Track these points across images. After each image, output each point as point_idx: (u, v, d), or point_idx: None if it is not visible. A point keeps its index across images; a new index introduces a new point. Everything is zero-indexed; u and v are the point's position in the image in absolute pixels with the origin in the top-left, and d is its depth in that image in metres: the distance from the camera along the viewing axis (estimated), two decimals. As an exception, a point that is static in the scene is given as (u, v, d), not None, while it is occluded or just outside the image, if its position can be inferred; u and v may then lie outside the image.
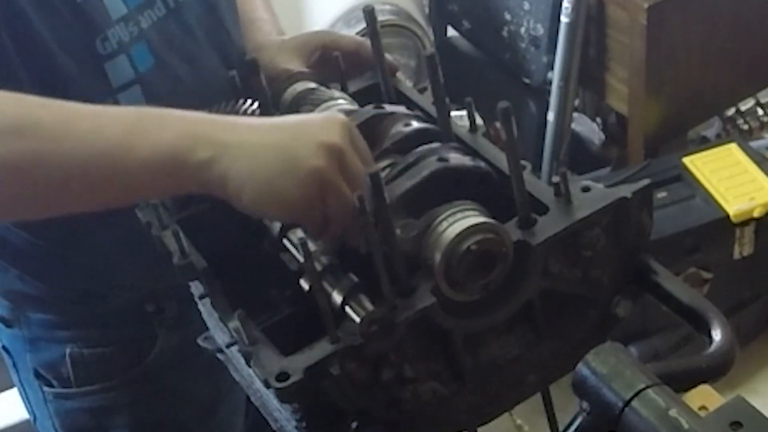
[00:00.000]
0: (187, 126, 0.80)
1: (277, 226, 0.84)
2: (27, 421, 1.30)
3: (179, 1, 1.05)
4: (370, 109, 0.90)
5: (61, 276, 1.11)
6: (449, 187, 0.81)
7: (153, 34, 1.02)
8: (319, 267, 0.77)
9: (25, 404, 1.26)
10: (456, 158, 0.83)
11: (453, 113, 0.91)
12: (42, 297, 1.12)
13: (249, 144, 0.79)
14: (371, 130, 0.88)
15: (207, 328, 0.91)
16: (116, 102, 1.01)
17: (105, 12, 0.98)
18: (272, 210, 0.79)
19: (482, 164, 0.85)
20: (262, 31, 1.16)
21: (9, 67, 0.93)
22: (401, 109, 0.92)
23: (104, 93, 1.00)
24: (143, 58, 1.02)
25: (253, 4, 1.19)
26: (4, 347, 1.22)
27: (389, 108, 0.90)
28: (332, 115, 0.84)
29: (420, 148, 0.84)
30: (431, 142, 0.86)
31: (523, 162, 0.82)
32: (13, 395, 1.30)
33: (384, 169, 0.84)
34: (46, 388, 1.18)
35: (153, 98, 1.02)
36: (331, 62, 1.04)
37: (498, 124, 0.79)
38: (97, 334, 1.15)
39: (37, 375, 1.18)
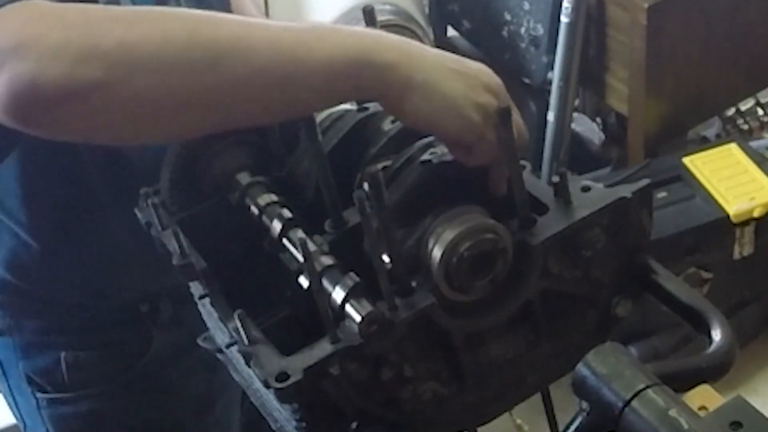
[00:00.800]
0: (366, 33, 0.80)
1: (277, 226, 0.84)
2: (15, 427, 1.29)
3: (182, 5, 1.05)
4: (354, 113, 0.90)
5: (55, 281, 1.10)
6: (442, 185, 0.81)
7: None
8: (318, 267, 0.77)
9: (14, 413, 1.25)
10: (440, 154, 0.83)
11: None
12: (36, 305, 1.12)
13: (431, 59, 0.79)
14: (359, 134, 0.88)
15: (202, 327, 0.91)
16: None
17: None
18: (452, 126, 0.78)
19: None
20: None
21: None
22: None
23: None
24: None
25: (242, 3, 1.19)
26: None
27: (372, 107, 0.90)
28: (487, 69, 0.84)
29: (406, 150, 0.84)
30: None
31: (523, 162, 0.82)
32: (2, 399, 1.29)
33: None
34: (39, 395, 1.17)
35: None
36: None
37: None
38: (92, 336, 1.15)
39: (30, 381, 1.17)
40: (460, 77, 0.79)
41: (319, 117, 0.90)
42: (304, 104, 0.80)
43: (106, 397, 1.17)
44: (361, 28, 0.81)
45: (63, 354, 1.14)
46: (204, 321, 0.91)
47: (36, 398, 1.18)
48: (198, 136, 0.84)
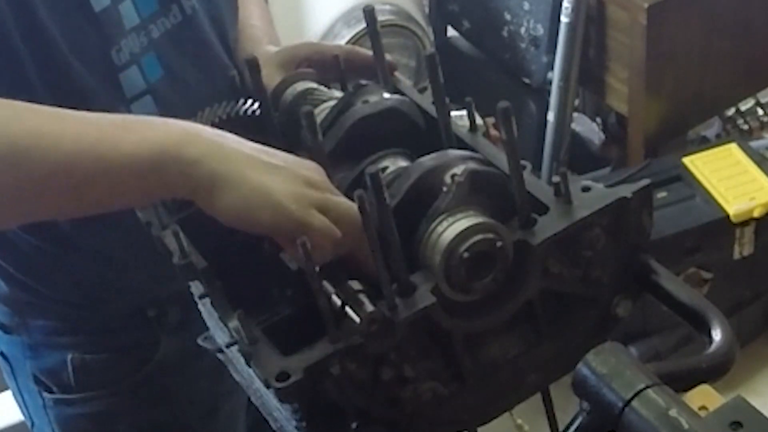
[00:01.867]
0: (176, 126, 0.78)
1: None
2: (22, 423, 1.29)
3: (195, 8, 1.05)
4: (355, 111, 0.90)
5: (63, 281, 1.10)
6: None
7: (163, 44, 1.02)
8: (319, 267, 0.77)
9: (22, 411, 1.25)
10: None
11: (453, 113, 0.91)
12: (43, 303, 1.12)
13: (243, 153, 0.78)
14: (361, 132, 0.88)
15: (207, 329, 0.91)
16: (129, 112, 1.00)
17: (120, 22, 0.99)
18: (266, 217, 0.76)
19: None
20: (253, 39, 1.15)
21: (25, 78, 0.93)
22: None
23: (118, 103, 1.00)
24: (153, 68, 1.02)
25: (249, 10, 1.19)
26: (1, 353, 1.21)
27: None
28: (310, 164, 0.82)
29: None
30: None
31: (523, 162, 0.82)
32: (8, 397, 1.29)
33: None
34: (46, 395, 1.17)
35: (165, 107, 1.03)
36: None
37: (493, 120, 0.79)
38: (99, 340, 1.15)
39: (37, 381, 1.17)
40: (274, 170, 0.77)
41: (321, 114, 0.90)
42: (115, 200, 0.79)
43: (112, 400, 1.17)
44: (176, 122, 0.79)
45: (70, 356, 1.14)
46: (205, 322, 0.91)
47: (42, 398, 1.18)
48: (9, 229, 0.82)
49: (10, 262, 1.09)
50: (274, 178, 0.77)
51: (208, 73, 1.08)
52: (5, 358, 1.20)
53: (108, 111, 0.88)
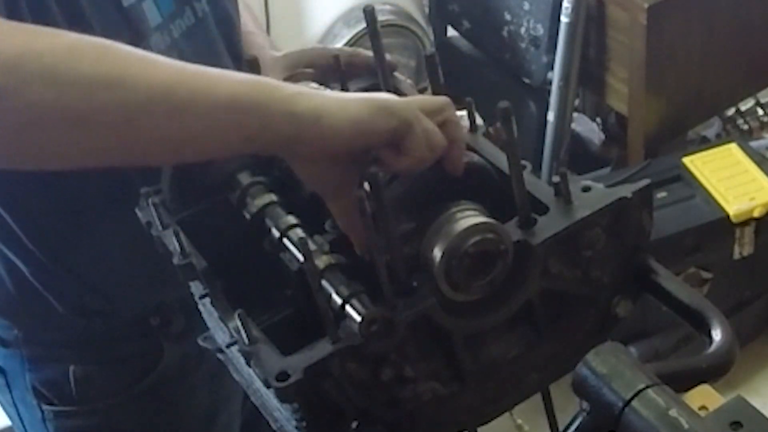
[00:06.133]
0: (264, 77, 0.80)
1: (281, 224, 0.84)
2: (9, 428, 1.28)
3: (205, 11, 1.06)
4: None
5: (63, 289, 1.09)
6: (445, 185, 0.81)
7: (183, 44, 1.03)
8: (319, 267, 0.77)
9: (15, 425, 1.23)
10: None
11: (453, 113, 0.91)
12: (43, 314, 1.11)
13: (335, 94, 0.80)
14: None
15: (208, 330, 0.91)
16: None
17: (145, 19, 0.99)
18: (382, 121, 0.76)
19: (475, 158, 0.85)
20: (256, 44, 1.16)
21: None
22: None
23: None
24: None
25: (243, 17, 1.19)
26: None
27: None
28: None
29: None
30: None
31: (523, 162, 0.82)
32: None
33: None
34: (45, 407, 1.16)
35: None
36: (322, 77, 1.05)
37: (497, 124, 0.79)
38: (101, 351, 1.14)
39: (37, 394, 1.15)
40: (367, 100, 0.78)
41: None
42: (204, 141, 0.76)
43: (114, 412, 1.16)
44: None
45: (72, 367, 1.12)
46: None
47: (42, 410, 1.16)
48: (93, 166, 0.79)
49: (4, 271, 1.08)
50: (377, 101, 0.78)
51: None
52: (1, 371, 1.19)
53: None
